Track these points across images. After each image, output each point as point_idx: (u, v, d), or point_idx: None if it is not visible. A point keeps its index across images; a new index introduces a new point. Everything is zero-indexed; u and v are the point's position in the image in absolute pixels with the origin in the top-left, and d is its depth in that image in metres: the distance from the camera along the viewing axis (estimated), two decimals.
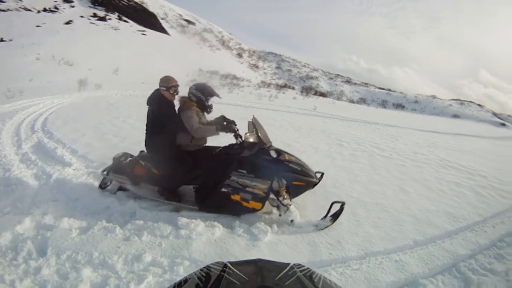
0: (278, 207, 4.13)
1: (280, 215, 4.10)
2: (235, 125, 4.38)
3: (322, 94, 48.51)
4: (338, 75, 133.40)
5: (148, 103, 4.37)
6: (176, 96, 4.40)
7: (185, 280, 0.84)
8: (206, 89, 4.40)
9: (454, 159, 9.49)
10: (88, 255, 3.03)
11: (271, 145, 4.35)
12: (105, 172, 4.63)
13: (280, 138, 9.01)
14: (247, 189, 3.93)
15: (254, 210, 3.97)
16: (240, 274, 0.81)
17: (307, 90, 44.99)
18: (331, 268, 3.26)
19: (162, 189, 4.41)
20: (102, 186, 4.67)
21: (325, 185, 5.35)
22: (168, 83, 4.28)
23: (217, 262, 0.90)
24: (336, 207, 4.28)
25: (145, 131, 4.39)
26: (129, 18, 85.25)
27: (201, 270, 0.87)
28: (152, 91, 4.39)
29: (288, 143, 8.56)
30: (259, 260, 0.90)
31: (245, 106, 17.10)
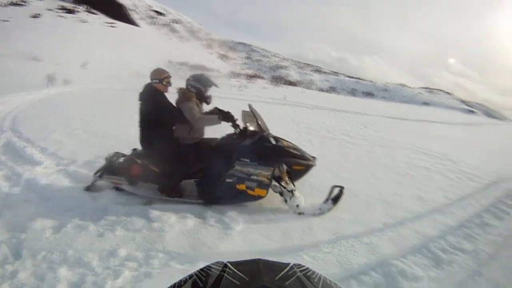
0: (281, 193, 4.31)
1: (285, 201, 4.28)
2: (232, 115, 4.43)
3: (292, 84, 49.01)
4: (308, 64, 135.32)
5: (140, 99, 4.37)
6: (171, 88, 4.51)
7: (185, 280, 0.83)
8: (205, 79, 4.54)
9: (424, 145, 9.89)
10: (63, 254, 3.04)
11: (269, 132, 4.49)
12: (98, 175, 4.54)
13: None
14: (252, 177, 4.05)
15: (259, 197, 4.10)
16: (240, 274, 0.82)
17: (277, 80, 45.31)
18: (303, 253, 3.37)
19: (162, 186, 4.44)
20: (91, 189, 4.54)
21: None
22: (161, 75, 4.34)
23: (217, 262, 0.91)
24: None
25: (139, 128, 4.40)
26: (97, 10, 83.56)
27: (201, 270, 0.87)
28: (144, 86, 4.41)
29: None
30: (259, 260, 0.91)
31: (215, 96, 17.00)
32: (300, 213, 4.20)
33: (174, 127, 4.42)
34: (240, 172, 4.09)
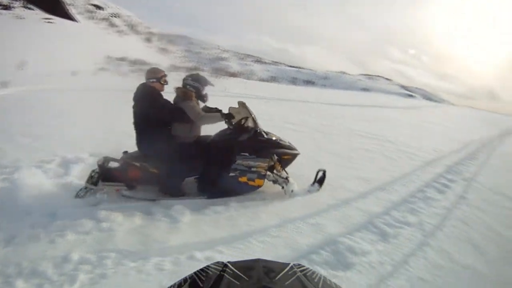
0: (276, 181, 4.79)
1: (282, 187, 4.74)
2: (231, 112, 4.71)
3: (233, 75, 49.07)
4: (249, 55, 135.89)
5: (135, 99, 4.36)
6: (166, 87, 4.58)
7: (185, 280, 0.84)
8: (203, 79, 4.77)
9: (364, 129, 10.41)
10: (17, 267, 2.93)
11: (261, 127, 4.84)
12: (91, 182, 4.28)
13: None
14: (252, 169, 4.47)
15: (258, 187, 4.54)
16: (240, 274, 0.83)
17: (218, 72, 45.20)
18: (252, 239, 3.45)
19: (165, 187, 4.46)
20: (81, 196, 4.29)
21: None
22: (158, 74, 4.41)
23: (217, 262, 0.92)
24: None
25: (135, 130, 4.41)
26: (34, 5, 77.93)
27: (201, 270, 0.88)
28: (138, 86, 4.41)
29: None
30: (259, 260, 0.92)
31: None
32: (293, 196, 4.68)
33: (173, 127, 4.52)
34: (242, 165, 4.47)
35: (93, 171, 4.32)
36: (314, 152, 7.02)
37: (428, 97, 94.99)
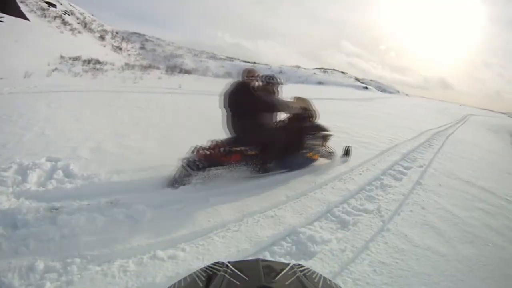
0: (323, 155, 6.21)
1: (330, 159, 6.31)
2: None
3: (188, 72, 48.62)
4: (203, 51, 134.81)
5: (235, 95, 5.01)
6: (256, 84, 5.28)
7: (185, 280, 0.86)
8: (277, 78, 5.66)
9: (320, 121, 10.50)
10: None
11: None
12: (197, 170, 4.63)
13: (146, 119, 8.62)
14: (315, 147, 5.88)
15: (316, 160, 6.01)
16: (240, 274, 0.84)
17: (172, 69, 44.64)
18: (213, 234, 3.42)
19: (262, 165, 5.21)
20: (177, 185, 4.56)
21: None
22: (255, 74, 5.23)
23: (217, 262, 0.93)
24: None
25: (236, 120, 5.08)
26: None
27: (201, 270, 0.89)
28: (233, 84, 5.10)
29: (155, 123, 8.26)
30: (259, 260, 0.93)
31: (109, 91, 15.84)
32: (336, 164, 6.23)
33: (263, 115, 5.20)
34: (310, 144, 5.76)
35: (184, 159, 4.66)
36: None
37: (383, 88, 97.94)
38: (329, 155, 6.28)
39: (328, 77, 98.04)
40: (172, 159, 4.80)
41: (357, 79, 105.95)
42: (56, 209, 3.99)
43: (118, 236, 3.38)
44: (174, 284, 0.85)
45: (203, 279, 0.84)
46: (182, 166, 4.63)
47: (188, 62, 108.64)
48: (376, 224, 3.96)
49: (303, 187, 4.90)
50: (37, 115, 7.59)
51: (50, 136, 6.07)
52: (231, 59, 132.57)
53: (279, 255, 3.14)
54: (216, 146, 4.88)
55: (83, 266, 2.94)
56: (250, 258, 3.06)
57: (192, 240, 3.32)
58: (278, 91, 5.60)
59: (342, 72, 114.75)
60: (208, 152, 4.75)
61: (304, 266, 0.93)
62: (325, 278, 0.88)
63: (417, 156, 7.89)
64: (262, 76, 5.46)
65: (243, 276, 0.83)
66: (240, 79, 5.15)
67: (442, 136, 11.90)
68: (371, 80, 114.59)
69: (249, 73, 5.20)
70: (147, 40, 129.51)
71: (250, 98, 4.95)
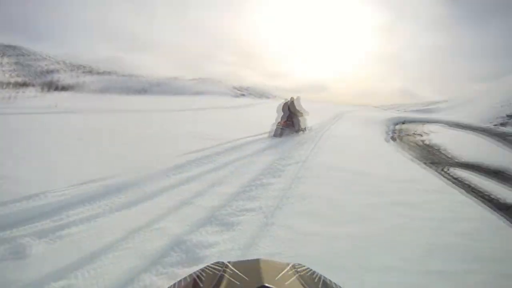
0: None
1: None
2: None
3: (64, 88, 45.30)
4: (81, 65, 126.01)
5: (286, 105, 11.88)
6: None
7: (185, 280, 0.84)
8: (298, 102, 12.44)
9: (197, 130, 10.70)
10: None
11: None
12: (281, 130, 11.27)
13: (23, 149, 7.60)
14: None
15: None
16: (240, 274, 0.82)
17: (49, 86, 41.14)
18: (102, 257, 3.23)
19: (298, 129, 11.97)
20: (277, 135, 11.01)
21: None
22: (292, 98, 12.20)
23: (217, 262, 0.91)
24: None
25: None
26: None
27: (201, 270, 0.87)
28: (288, 101, 11.99)
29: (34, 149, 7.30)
30: (259, 260, 0.90)
31: None
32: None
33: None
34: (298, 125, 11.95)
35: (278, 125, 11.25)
36: (146, 157, 6.69)
37: (260, 94, 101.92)
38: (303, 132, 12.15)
39: (206, 87, 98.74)
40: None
41: (234, 87, 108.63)
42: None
43: (8, 276, 2.95)
44: (174, 284, 0.83)
45: (203, 279, 0.83)
46: (277, 128, 11.11)
47: (65, 77, 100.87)
48: (261, 221, 4.14)
49: (184, 195, 4.86)
50: None
51: None
52: (109, 73, 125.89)
53: (171, 265, 3.13)
54: (281, 122, 11.37)
55: None
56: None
57: (84, 266, 3.06)
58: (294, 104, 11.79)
59: (219, 81, 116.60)
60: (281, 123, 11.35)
61: (304, 266, 0.92)
62: (325, 278, 0.88)
63: (294, 154, 8.37)
64: (293, 98, 11.97)
65: (243, 276, 0.82)
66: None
67: (318, 133, 12.73)
68: (248, 87, 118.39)
69: (291, 99, 11.94)
70: (23, 53, 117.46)
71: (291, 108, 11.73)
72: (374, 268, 3.27)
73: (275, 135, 10.69)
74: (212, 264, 0.91)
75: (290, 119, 11.48)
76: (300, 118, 11.79)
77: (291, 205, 4.74)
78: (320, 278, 0.88)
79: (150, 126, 12.00)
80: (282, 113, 11.51)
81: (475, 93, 46.12)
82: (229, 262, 0.92)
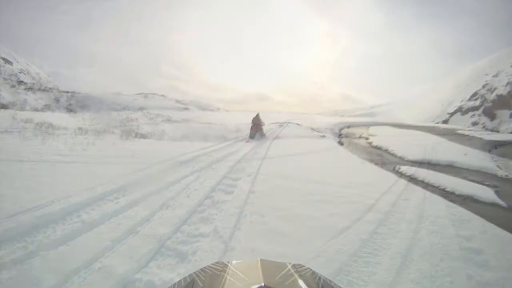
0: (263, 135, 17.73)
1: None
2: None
3: (4, 106, 42.51)
4: (21, 82, 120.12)
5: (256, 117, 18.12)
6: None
7: (185, 280, 0.85)
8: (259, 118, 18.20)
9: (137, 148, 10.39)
10: None
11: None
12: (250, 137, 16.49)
13: None
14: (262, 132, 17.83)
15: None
16: (240, 274, 0.84)
17: None
18: None
19: (262, 134, 17.66)
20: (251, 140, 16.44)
21: None
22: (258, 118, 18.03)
23: (217, 262, 0.93)
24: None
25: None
26: None
27: (201, 270, 0.89)
28: (257, 115, 18.05)
29: None
30: (259, 260, 0.91)
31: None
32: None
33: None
34: (260, 132, 17.53)
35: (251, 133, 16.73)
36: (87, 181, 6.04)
37: (203, 107, 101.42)
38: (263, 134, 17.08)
39: (149, 101, 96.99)
40: None
41: (177, 101, 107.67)
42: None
43: None
44: (174, 284, 0.85)
45: (203, 279, 0.84)
46: (251, 133, 16.74)
47: (5, 95, 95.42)
48: (218, 246, 3.73)
49: (128, 223, 4.22)
50: None
51: None
52: (50, 89, 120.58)
53: None
54: (252, 129, 16.96)
55: None
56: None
57: None
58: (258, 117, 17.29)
59: (162, 95, 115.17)
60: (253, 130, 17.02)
61: (304, 266, 0.92)
62: (325, 278, 0.88)
63: (244, 165, 8.17)
64: (257, 115, 17.61)
65: (243, 276, 0.82)
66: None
67: (265, 145, 12.67)
68: (191, 101, 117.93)
69: (257, 116, 17.50)
70: None
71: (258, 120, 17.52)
72: None
73: (250, 137, 16.24)
74: (212, 264, 0.93)
75: (256, 128, 16.97)
76: (262, 127, 17.51)
77: (250, 224, 4.42)
78: (320, 278, 0.88)
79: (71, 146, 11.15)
80: (252, 124, 17.01)
81: (414, 95, 48.83)
82: (229, 262, 0.93)
